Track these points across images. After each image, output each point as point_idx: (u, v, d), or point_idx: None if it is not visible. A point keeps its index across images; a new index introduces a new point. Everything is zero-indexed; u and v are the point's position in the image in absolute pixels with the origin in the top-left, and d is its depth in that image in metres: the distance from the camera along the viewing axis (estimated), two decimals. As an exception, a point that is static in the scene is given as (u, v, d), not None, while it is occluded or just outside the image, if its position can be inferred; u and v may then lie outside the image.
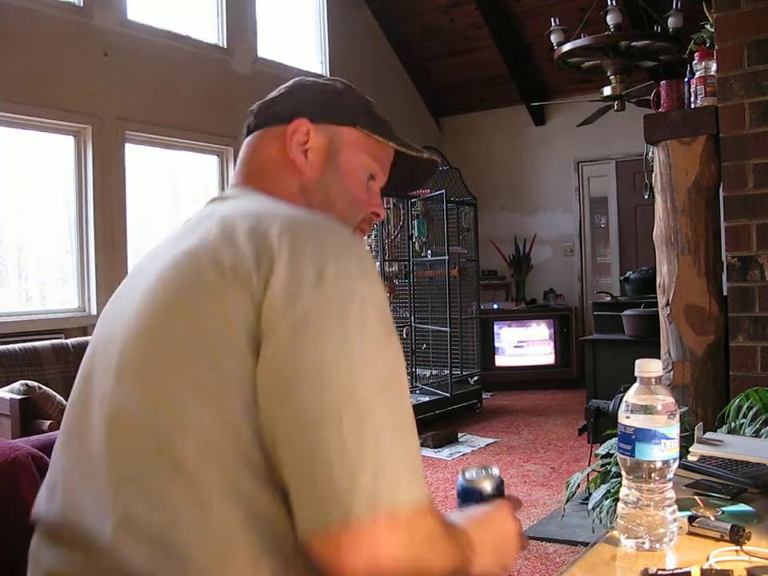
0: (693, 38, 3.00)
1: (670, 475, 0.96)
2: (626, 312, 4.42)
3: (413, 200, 5.31)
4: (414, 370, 5.56)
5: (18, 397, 3.06)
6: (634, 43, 4.27)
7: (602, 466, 2.38)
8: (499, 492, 0.84)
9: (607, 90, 4.48)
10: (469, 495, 0.79)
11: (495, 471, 0.81)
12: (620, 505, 0.99)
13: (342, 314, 0.69)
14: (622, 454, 0.98)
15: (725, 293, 2.74)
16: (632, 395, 0.97)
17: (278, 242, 0.72)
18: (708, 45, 2.83)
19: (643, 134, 2.87)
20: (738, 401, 2.01)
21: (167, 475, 0.67)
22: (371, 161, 0.97)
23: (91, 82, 4.74)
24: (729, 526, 0.98)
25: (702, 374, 2.74)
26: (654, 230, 2.89)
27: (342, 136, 0.95)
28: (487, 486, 0.81)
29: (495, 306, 6.88)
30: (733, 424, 1.94)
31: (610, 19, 4.24)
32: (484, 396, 6.02)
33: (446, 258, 5.27)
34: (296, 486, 0.66)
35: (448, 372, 5.38)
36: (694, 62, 2.82)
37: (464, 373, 5.69)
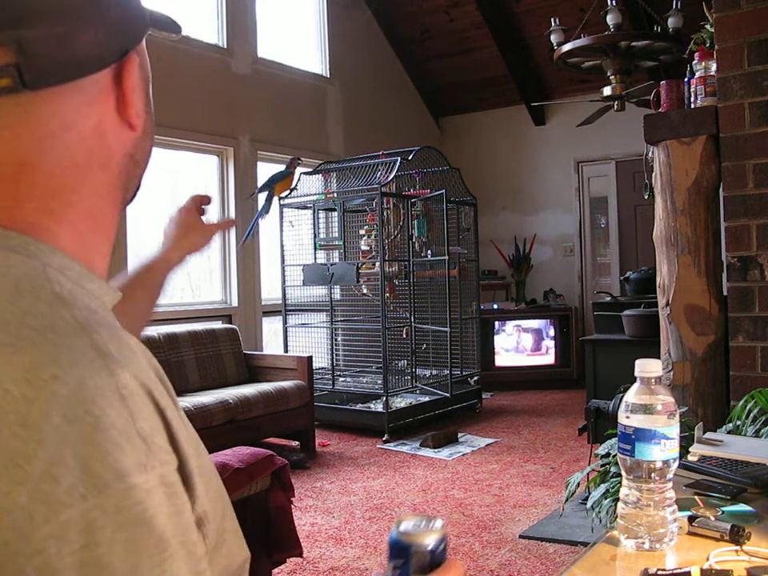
0: (693, 37, 3.00)
1: (670, 475, 0.96)
2: (626, 312, 4.42)
3: (413, 200, 5.31)
4: (414, 370, 5.56)
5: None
6: (634, 43, 4.27)
7: (602, 465, 2.38)
8: (441, 554, 0.65)
9: (607, 90, 4.48)
10: (402, 551, 0.64)
11: (438, 524, 0.65)
12: (620, 505, 0.99)
13: None
14: (621, 453, 0.98)
15: (725, 293, 2.74)
16: (632, 395, 0.97)
17: None
18: (708, 45, 2.84)
19: (643, 134, 2.87)
20: (743, 401, 2.01)
21: None
22: None
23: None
24: (729, 526, 0.98)
25: (701, 374, 2.74)
26: (654, 230, 2.89)
27: None
28: (428, 543, 0.64)
29: (495, 306, 6.89)
30: (738, 423, 1.94)
31: (610, 19, 4.24)
32: (484, 396, 6.02)
33: (446, 257, 5.27)
34: None
35: (448, 372, 5.38)
36: (694, 62, 2.82)
37: (464, 373, 5.69)
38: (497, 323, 6.72)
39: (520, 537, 3.07)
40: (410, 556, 0.63)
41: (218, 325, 5.26)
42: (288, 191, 5.38)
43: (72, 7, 0.50)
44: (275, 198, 5.34)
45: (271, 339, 6.14)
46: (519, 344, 6.80)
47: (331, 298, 5.66)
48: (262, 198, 5.23)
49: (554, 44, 4.45)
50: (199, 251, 0.99)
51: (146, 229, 5.37)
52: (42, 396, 0.41)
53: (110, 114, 0.55)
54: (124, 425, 0.43)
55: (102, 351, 0.45)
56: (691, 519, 1.03)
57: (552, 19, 4.51)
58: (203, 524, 0.49)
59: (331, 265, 5.34)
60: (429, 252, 5.46)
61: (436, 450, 4.54)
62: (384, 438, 4.82)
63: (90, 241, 0.55)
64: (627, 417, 0.97)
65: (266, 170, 5.91)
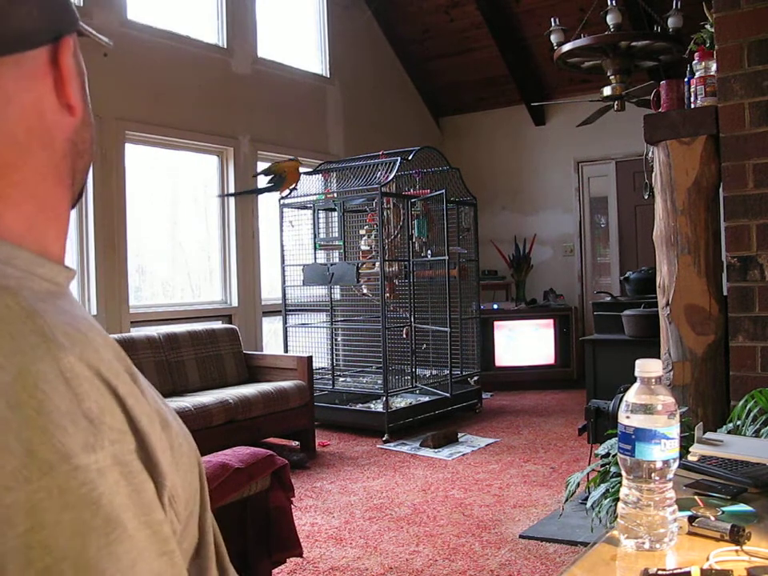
0: (693, 37, 3.00)
1: (670, 475, 0.96)
2: (626, 312, 4.42)
3: (413, 200, 5.31)
4: (414, 370, 5.56)
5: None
6: (634, 43, 4.27)
7: (602, 465, 2.38)
8: None
9: (607, 90, 4.48)
10: None
11: None
12: (620, 505, 0.99)
13: None
14: (622, 453, 0.98)
15: (725, 293, 2.74)
16: (632, 395, 0.97)
17: None
18: (708, 45, 2.84)
19: (643, 134, 2.87)
20: (743, 401, 2.01)
21: None
22: None
23: (91, 82, 4.65)
24: (729, 526, 0.98)
25: (702, 374, 2.74)
26: (654, 230, 2.89)
27: None
28: None
29: (495, 306, 6.88)
30: (738, 423, 1.95)
31: (610, 19, 4.24)
32: (484, 396, 6.02)
33: (446, 257, 5.27)
34: None
35: (448, 372, 5.38)
36: (694, 62, 2.82)
37: (464, 373, 5.69)
38: (497, 323, 6.72)
39: (520, 537, 3.07)
40: None
41: (218, 325, 5.26)
42: (289, 191, 5.39)
43: None
44: (277, 194, 5.33)
45: (271, 339, 6.14)
46: (519, 344, 6.80)
47: (331, 298, 5.66)
48: (263, 183, 5.17)
49: (554, 44, 4.45)
50: None
51: (147, 229, 5.37)
52: None
53: (49, 94, 0.55)
54: (68, 407, 0.44)
55: (46, 336, 0.46)
56: (691, 519, 1.03)
57: (552, 19, 4.51)
58: (174, 500, 0.49)
59: (331, 265, 5.34)
60: (429, 252, 5.46)
61: (436, 450, 4.54)
62: (384, 438, 4.82)
63: (37, 222, 0.54)
64: (627, 417, 0.97)
65: (266, 170, 5.91)
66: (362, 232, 5.36)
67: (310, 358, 4.78)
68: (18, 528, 0.40)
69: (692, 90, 2.79)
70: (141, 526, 0.44)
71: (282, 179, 5.10)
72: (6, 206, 0.52)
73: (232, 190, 5.71)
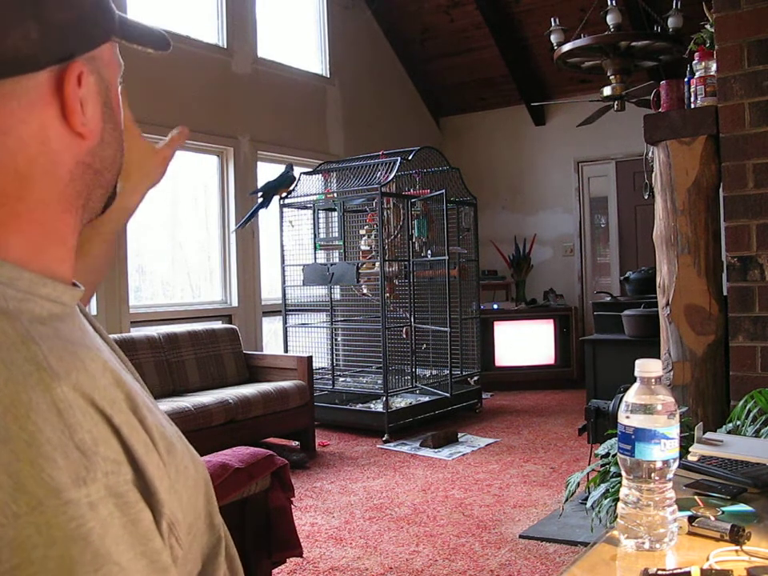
0: (693, 37, 3.00)
1: (670, 475, 0.96)
2: (626, 312, 4.42)
3: (413, 200, 5.31)
4: (414, 369, 5.56)
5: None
6: (634, 43, 4.27)
7: (602, 465, 2.39)
8: None
9: (607, 90, 4.48)
10: None
11: None
12: (620, 505, 0.99)
13: None
14: (621, 453, 0.98)
15: (725, 293, 2.74)
16: (632, 395, 0.97)
17: None
18: (708, 45, 2.84)
19: (643, 133, 2.87)
20: (743, 401, 2.01)
21: None
22: None
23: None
24: (729, 526, 0.98)
25: (702, 374, 2.74)
26: (654, 230, 2.89)
27: None
28: None
29: (495, 306, 6.88)
30: (738, 423, 1.95)
31: (610, 19, 4.24)
32: (484, 396, 6.02)
33: (446, 257, 5.27)
34: None
35: (448, 372, 5.38)
36: (694, 62, 2.82)
37: (464, 373, 5.69)
38: (497, 323, 6.71)
39: (520, 537, 3.07)
40: None
41: (218, 325, 5.26)
42: (287, 192, 5.39)
43: (2, 4, 0.48)
44: (275, 197, 5.35)
45: (271, 339, 6.14)
46: (519, 344, 6.80)
47: (331, 298, 5.66)
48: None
49: (554, 44, 4.45)
50: (157, 182, 0.83)
51: (147, 229, 5.36)
52: None
53: (54, 120, 0.53)
54: (60, 439, 0.43)
55: (40, 365, 0.45)
56: (691, 519, 1.02)
57: (552, 19, 4.51)
58: (174, 526, 0.49)
59: (331, 265, 5.34)
60: (429, 252, 5.46)
61: (436, 450, 4.53)
62: (384, 438, 4.82)
63: (42, 247, 0.53)
64: (627, 417, 0.97)
65: (265, 170, 5.91)
66: (362, 232, 5.36)
67: (309, 358, 4.78)
68: (4, 564, 0.40)
69: (692, 89, 2.79)
70: (137, 557, 0.44)
71: (276, 189, 5.15)
72: (9, 232, 0.51)
73: (232, 189, 5.71)
